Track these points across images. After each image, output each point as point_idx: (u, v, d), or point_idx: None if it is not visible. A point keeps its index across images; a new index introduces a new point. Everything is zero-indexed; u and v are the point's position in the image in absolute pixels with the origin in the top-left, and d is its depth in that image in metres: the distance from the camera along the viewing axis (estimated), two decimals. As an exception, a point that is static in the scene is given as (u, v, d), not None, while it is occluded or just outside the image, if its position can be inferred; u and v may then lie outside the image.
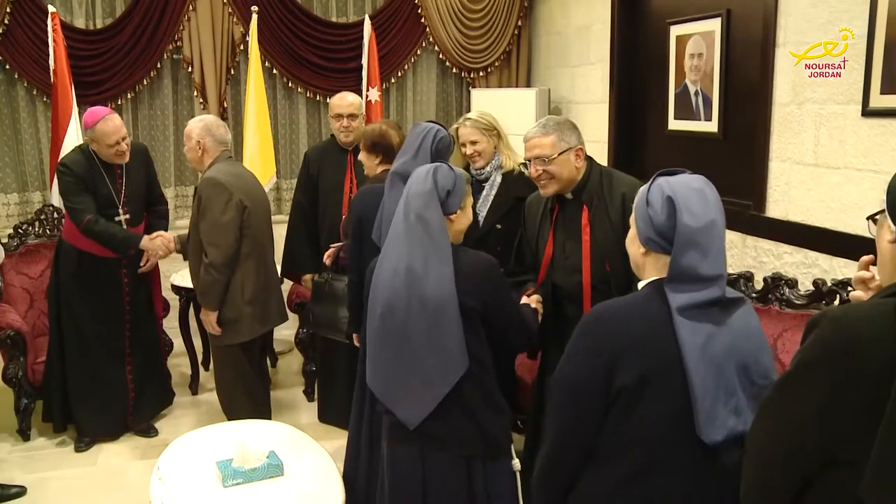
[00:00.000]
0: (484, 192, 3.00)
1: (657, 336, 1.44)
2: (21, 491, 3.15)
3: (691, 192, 1.48)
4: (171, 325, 4.18)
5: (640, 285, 1.56)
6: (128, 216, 3.46)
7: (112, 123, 3.31)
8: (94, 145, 3.37)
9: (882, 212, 1.27)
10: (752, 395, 1.44)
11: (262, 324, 3.25)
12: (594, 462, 1.50)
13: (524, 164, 2.50)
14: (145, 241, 3.38)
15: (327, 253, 3.27)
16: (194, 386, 4.24)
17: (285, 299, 4.39)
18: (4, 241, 4.04)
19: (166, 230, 3.60)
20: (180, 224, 4.74)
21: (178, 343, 4.24)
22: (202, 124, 3.19)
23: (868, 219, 1.35)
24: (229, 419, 3.15)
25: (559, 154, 2.38)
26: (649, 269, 1.55)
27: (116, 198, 3.43)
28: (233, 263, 3.08)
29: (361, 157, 3.05)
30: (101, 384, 3.52)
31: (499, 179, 2.99)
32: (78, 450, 3.55)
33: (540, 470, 1.60)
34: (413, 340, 1.95)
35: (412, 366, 1.95)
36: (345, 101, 3.69)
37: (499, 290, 2.05)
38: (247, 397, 3.26)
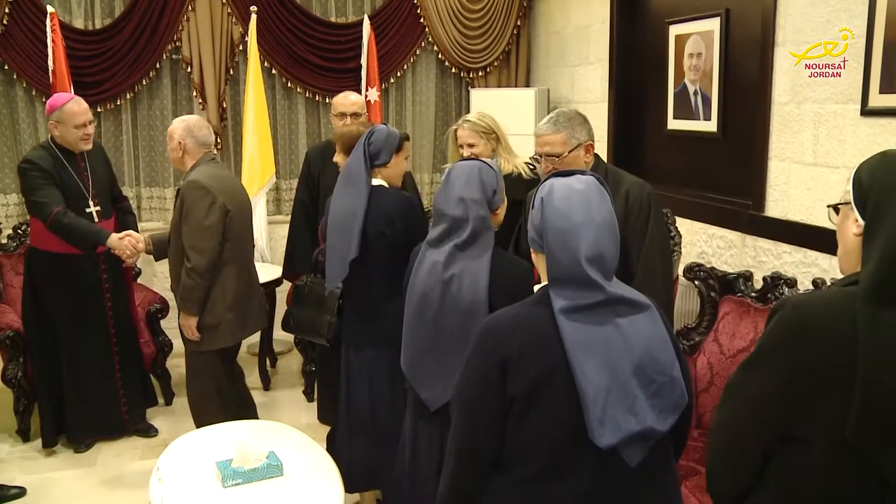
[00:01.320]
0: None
1: (544, 341, 1.42)
2: (21, 492, 3.15)
3: (569, 192, 1.46)
4: (170, 325, 4.18)
5: (536, 289, 1.55)
6: (98, 208, 3.43)
7: (79, 105, 3.33)
8: (59, 129, 3.32)
9: (847, 203, 1.29)
10: (651, 393, 1.41)
11: (243, 329, 3.18)
12: (498, 468, 1.50)
13: (535, 159, 2.49)
14: (113, 240, 3.26)
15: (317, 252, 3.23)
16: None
17: (285, 299, 4.40)
18: (4, 241, 4.03)
19: (136, 228, 3.57)
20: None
21: (178, 344, 4.21)
22: (184, 125, 3.11)
23: (830, 207, 1.36)
24: (198, 426, 3.03)
25: (570, 152, 2.38)
26: (541, 270, 1.53)
27: (85, 189, 3.40)
28: (215, 268, 3.01)
29: (338, 158, 3.07)
30: (93, 392, 3.50)
31: None
32: (78, 450, 3.55)
33: (445, 489, 1.58)
34: (443, 333, 2.05)
35: (439, 355, 2.06)
36: (348, 99, 3.68)
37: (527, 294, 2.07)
38: (218, 406, 3.17)
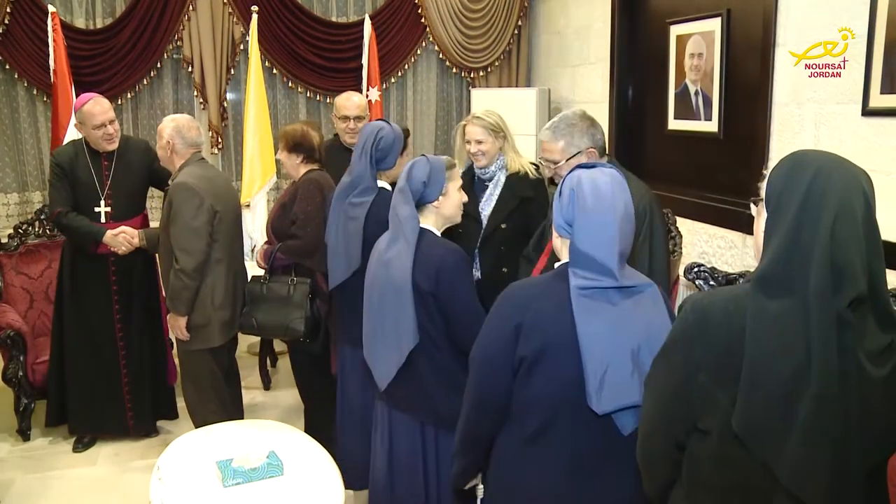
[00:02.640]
0: (488, 192, 2.98)
1: (557, 313, 1.57)
2: None
3: (595, 185, 1.60)
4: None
5: (556, 265, 1.70)
6: (109, 209, 3.40)
7: (99, 105, 3.34)
8: (82, 130, 3.38)
9: (761, 200, 1.35)
10: (645, 371, 1.52)
11: (232, 329, 3.17)
12: (508, 421, 1.67)
13: (542, 162, 2.51)
14: (108, 236, 3.31)
15: (260, 252, 3.20)
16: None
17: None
18: (4, 240, 4.04)
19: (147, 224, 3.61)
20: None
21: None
22: (174, 124, 3.10)
23: (751, 201, 1.45)
24: (197, 426, 3.03)
25: (567, 160, 2.37)
26: (563, 252, 1.68)
27: (99, 188, 3.39)
28: (204, 269, 3.02)
29: (281, 156, 3.15)
30: (95, 391, 3.49)
31: (503, 179, 2.96)
32: (77, 450, 3.55)
33: (461, 434, 1.76)
34: (384, 313, 2.21)
35: (382, 337, 2.22)
36: (351, 102, 3.65)
37: (454, 279, 2.18)
38: (215, 403, 3.18)
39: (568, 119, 2.42)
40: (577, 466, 1.59)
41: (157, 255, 3.33)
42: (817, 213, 1.21)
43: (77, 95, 4.34)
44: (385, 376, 2.21)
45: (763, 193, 1.34)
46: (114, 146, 3.41)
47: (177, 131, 3.08)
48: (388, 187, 2.74)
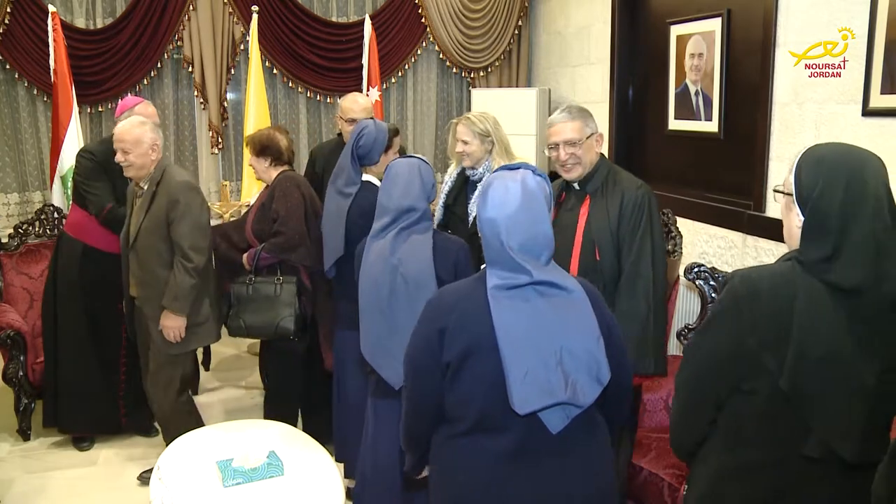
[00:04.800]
0: (476, 192, 3.00)
1: (479, 315, 1.60)
2: None
3: (501, 184, 1.65)
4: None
5: (482, 268, 1.72)
6: None
7: (148, 108, 3.41)
8: None
9: (790, 195, 1.49)
10: (569, 368, 1.56)
11: (219, 325, 3.18)
12: (443, 421, 1.72)
13: (551, 147, 2.50)
14: None
15: (246, 255, 3.16)
16: (194, 386, 4.24)
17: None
18: (4, 240, 4.04)
19: None
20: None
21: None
22: (150, 124, 3.01)
23: (775, 191, 1.57)
24: (170, 441, 2.86)
25: (586, 138, 2.47)
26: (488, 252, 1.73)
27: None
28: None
29: (251, 161, 3.19)
30: (90, 384, 3.48)
31: None
32: (79, 450, 3.55)
33: (403, 433, 1.81)
34: (396, 314, 2.24)
35: (396, 335, 2.21)
36: (357, 104, 3.64)
37: (468, 271, 2.29)
38: (189, 407, 3.16)
39: (575, 106, 2.59)
40: (509, 463, 1.62)
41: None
42: (860, 210, 1.39)
43: (77, 95, 4.37)
44: (400, 377, 2.15)
45: (791, 189, 1.47)
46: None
47: (154, 129, 3.02)
48: (375, 181, 2.86)
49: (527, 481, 1.63)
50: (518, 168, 1.70)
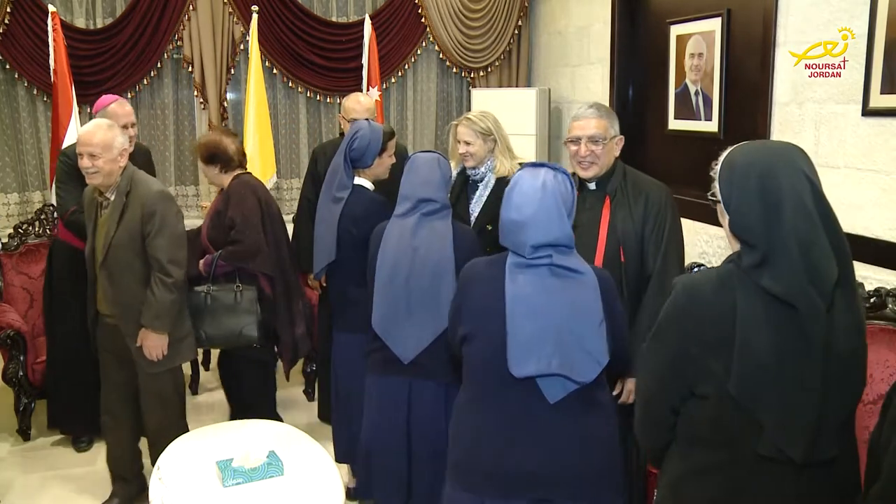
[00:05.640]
0: (478, 192, 2.99)
1: (493, 291, 1.78)
2: None
3: (519, 184, 1.81)
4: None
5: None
6: None
7: (124, 107, 3.37)
8: None
9: (720, 202, 1.52)
10: (577, 346, 1.71)
11: (197, 339, 3.05)
12: (463, 385, 1.93)
13: (575, 140, 2.47)
14: None
15: (202, 262, 3.09)
16: (194, 386, 4.24)
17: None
18: (4, 240, 4.04)
19: None
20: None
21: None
22: (116, 130, 2.79)
23: (710, 200, 1.59)
24: (157, 457, 2.72)
25: (609, 139, 2.45)
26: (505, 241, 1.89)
27: None
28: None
29: (202, 168, 3.11)
30: (89, 385, 3.44)
31: (493, 181, 2.97)
32: (78, 450, 3.55)
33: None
34: (414, 293, 2.36)
35: (411, 313, 2.36)
36: (360, 105, 3.63)
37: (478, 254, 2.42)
38: (181, 421, 3.02)
39: (603, 106, 2.55)
40: (509, 427, 1.78)
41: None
42: (777, 215, 1.39)
43: (77, 95, 4.36)
44: (413, 350, 2.37)
45: (718, 196, 1.51)
46: (130, 150, 3.41)
47: (124, 135, 2.83)
48: (367, 185, 2.87)
49: (525, 445, 1.76)
50: (541, 167, 1.82)
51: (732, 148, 1.52)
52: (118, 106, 3.36)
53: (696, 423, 1.52)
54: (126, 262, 2.78)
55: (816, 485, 1.45)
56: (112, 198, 2.81)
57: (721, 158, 1.51)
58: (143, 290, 2.78)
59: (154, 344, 2.80)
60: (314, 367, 4.07)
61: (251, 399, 3.23)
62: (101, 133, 2.74)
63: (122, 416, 3.03)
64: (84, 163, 2.75)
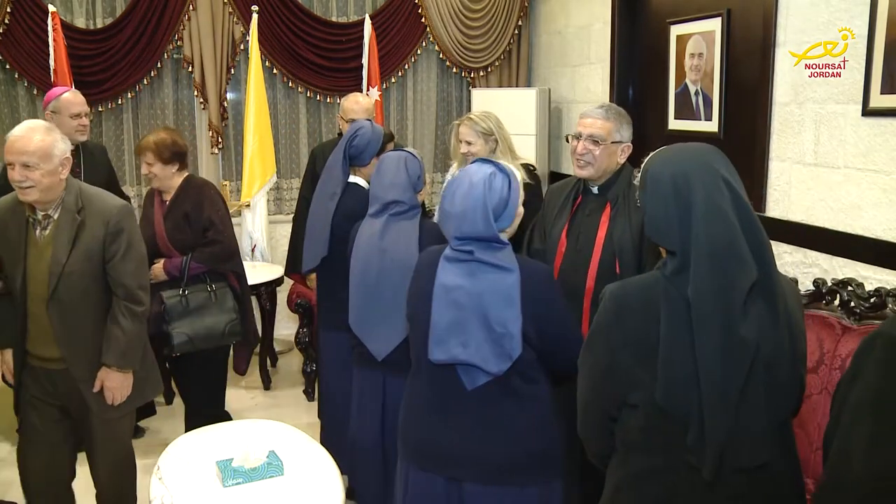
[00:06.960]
0: None
1: (429, 277, 1.88)
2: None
3: (458, 177, 1.89)
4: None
5: None
6: None
7: (77, 95, 3.34)
8: (55, 119, 3.25)
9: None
10: (490, 338, 1.78)
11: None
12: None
13: (576, 137, 2.45)
14: None
15: (167, 264, 3.04)
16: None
17: (286, 299, 4.40)
18: None
19: None
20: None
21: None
22: (57, 134, 2.32)
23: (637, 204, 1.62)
24: None
25: (611, 143, 2.40)
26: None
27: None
28: None
29: (154, 169, 2.97)
30: None
31: None
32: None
33: None
34: (384, 291, 2.43)
35: (382, 311, 2.44)
36: (359, 105, 3.64)
37: None
38: (134, 472, 2.75)
39: (616, 108, 2.48)
40: (431, 410, 1.91)
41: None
42: (690, 221, 1.38)
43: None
44: (385, 349, 2.45)
45: (639, 203, 1.52)
46: (85, 138, 3.42)
47: (65, 140, 2.37)
48: (362, 183, 2.90)
49: (441, 427, 1.88)
50: (486, 164, 1.89)
51: (652, 154, 1.53)
52: (72, 94, 3.33)
53: (630, 431, 1.53)
54: (82, 290, 2.35)
55: (752, 488, 1.44)
56: (56, 216, 2.35)
57: (643, 165, 1.52)
58: (101, 324, 2.40)
59: (118, 385, 2.43)
60: (314, 367, 4.06)
61: (208, 398, 3.24)
62: (38, 138, 2.24)
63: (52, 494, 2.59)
64: (16, 175, 2.22)
